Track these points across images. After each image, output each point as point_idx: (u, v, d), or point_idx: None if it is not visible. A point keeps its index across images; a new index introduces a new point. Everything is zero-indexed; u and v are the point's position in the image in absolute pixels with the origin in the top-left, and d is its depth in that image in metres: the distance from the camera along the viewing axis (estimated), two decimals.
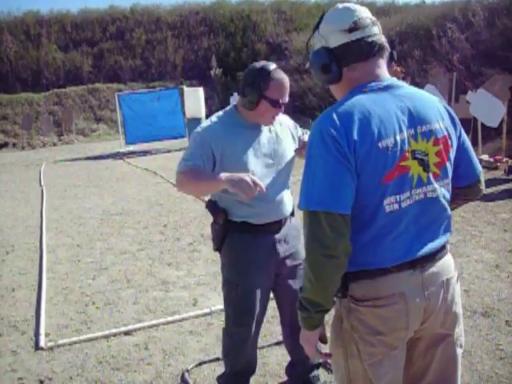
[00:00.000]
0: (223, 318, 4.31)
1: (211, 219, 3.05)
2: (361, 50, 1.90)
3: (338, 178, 1.77)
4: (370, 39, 1.90)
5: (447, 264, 2.00)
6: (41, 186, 12.19)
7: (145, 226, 7.81)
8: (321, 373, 3.44)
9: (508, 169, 8.94)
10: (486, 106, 9.36)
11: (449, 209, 1.99)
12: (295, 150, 3.07)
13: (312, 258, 1.80)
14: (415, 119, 1.88)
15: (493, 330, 3.94)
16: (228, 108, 3.02)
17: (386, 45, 1.96)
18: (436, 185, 1.92)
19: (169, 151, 16.84)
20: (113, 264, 6.19)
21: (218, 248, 3.09)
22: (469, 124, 9.58)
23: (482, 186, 2.14)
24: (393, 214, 1.84)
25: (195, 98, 17.12)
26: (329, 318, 2.09)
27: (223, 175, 2.72)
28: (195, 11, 28.82)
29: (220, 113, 2.99)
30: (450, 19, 15.00)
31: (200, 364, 3.77)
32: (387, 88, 1.90)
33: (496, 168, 9.34)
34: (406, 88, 1.95)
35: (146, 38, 27.31)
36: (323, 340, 2.00)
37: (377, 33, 1.93)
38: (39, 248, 7.06)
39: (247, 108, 2.91)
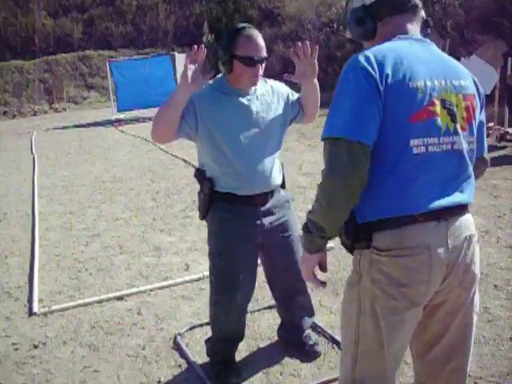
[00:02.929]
0: None
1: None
2: (394, 4, 1.99)
3: (363, 109, 1.80)
4: None
5: (470, 221, 2.01)
6: (32, 153, 12.14)
7: (137, 193, 7.81)
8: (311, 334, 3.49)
9: (499, 136, 8.95)
10: (478, 73, 9.25)
11: (472, 168, 2.01)
12: (293, 78, 2.97)
13: (326, 184, 1.83)
14: (447, 72, 1.95)
15: (481, 294, 3.94)
16: (218, 76, 3.00)
17: (420, 5, 2.04)
18: (462, 138, 1.94)
19: None
20: (105, 231, 6.20)
21: (203, 216, 3.10)
22: None
23: (486, 163, 2.20)
24: (419, 157, 1.85)
25: None
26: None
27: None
28: None
29: (210, 81, 2.96)
30: None
31: (192, 328, 3.82)
32: (420, 41, 1.99)
33: (488, 135, 9.34)
34: (435, 46, 2.03)
35: (137, 3, 27.03)
36: (322, 267, 2.05)
37: None
38: (31, 215, 7.07)
39: (226, 73, 2.88)
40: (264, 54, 2.85)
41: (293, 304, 3.29)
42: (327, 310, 3.93)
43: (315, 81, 2.98)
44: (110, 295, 4.43)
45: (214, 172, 2.93)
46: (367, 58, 1.85)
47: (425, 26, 2.07)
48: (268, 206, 3.02)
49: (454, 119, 1.91)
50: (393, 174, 1.85)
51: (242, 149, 2.88)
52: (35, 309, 4.29)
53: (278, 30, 22.00)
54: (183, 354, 3.50)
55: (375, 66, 1.82)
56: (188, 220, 6.33)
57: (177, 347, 3.60)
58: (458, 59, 9.74)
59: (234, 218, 2.97)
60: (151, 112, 17.51)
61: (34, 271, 5.06)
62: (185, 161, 9.66)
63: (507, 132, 9.01)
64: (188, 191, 7.64)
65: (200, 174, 3.00)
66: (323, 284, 2.09)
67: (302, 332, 3.37)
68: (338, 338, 3.38)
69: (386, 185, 1.86)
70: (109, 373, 3.38)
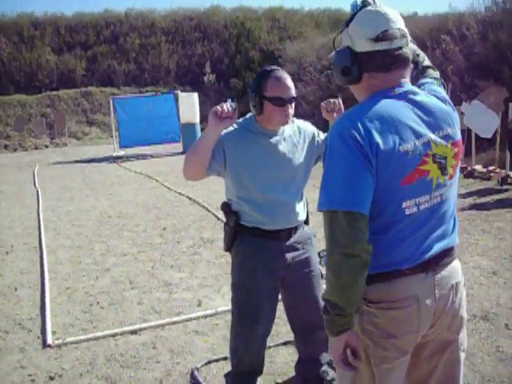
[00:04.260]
0: (228, 319, 4.44)
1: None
2: (384, 62, 1.93)
3: (359, 179, 1.81)
4: (395, 52, 1.92)
5: (456, 268, 2.08)
6: (35, 187, 12.20)
7: (143, 229, 7.86)
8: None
9: (501, 179, 9.09)
10: (480, 117, 9.51)
11: (455, 208, 2.07)
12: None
13: (331, 258, 1.83)
14: (434, 124, 1.95)
15: (492, 333, 4.04)
16: (248, 115, 3.10)
17: (411, 57, 1.98)
18: (450, 186, 2.00)
19: (163, 156, 16.88)
20: (114, 265, 6.24)
21: (228, 248, 3.17)
22: (463, 135, 9.73)
23: None
24: (411, 217, 1.90)
25: (190, 103, 17.18)
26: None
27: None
28: (189, 17, 28.92)
29: (240, 119, 3.06)
30: (443, 32, 15.20)
31: (209, 362, 3.85)
32: (406, 94, 1.95)
33: (489, 178, 9.50)
34: (423, 95, 2.00)
35: (140, 42, 27.36)
36: (354, 352, 1.93)
37: (403, 45, 1.93)
38: (39, 248, 7.10)
39: (256, 113, 2.99)
40: (293, 93, 2.95)
41: (312, 338, 3.33)
42: None
43: None
44: (124, 329, 4.46)
45: (240, 207, 3.02)
46: (355, 126, 1.84)
47: (414, 67, 2.09)
48: (291, 241, 3.09)
49: (443, 172, 1.95)
50: (385, 234, 1.89)
51: (267, 187, 2.98)
52: (49, 341, 4.31)
53: None
54: None
55: (363, 135, 1.82)
56: (197, 256, 6.38)
57: (194, 381, 3.62)
58: (460, 103, 9.95)
59: (259, 252, 3.04)
60: (152, 149, 17.71)
61: (45, 303, 5.10)
62: (189, 198, 9.74)
63: (508, 175, 9.15)
64: (195, 228, 7.71)
65: (226, 208, 3.09)
66: (354, 369, 1.95)
67: (319, 367, 3.41)
68: None
69: (377, 244, 1.87)
70: None
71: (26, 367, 3.97)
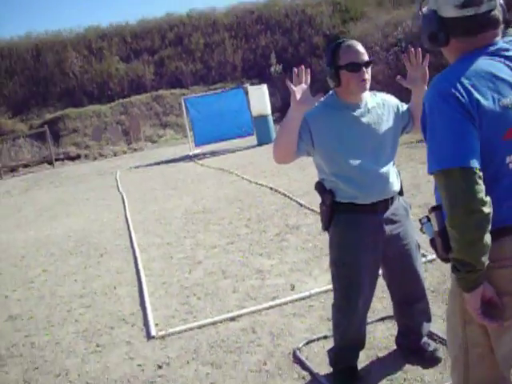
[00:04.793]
0: (323, 300, 4.50)
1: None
2: (470, 27, 1.93)
3: (465, 133, 1.82)
4: (483, 17, 1.90)
5: None
6: (119, 192, 12.62)
7: (229, 222, 8.00)
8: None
9: None
10: None
11: None
12: (404, 82, 3.11)
13: (453, 217, 1.84)
14: None
15: None
16: (329, 93, 3.13)
17: (501, 17, 1.95)
18: None
19: (239, 150, 17.07)
20: (205, 258, 6.40)
21: (326, 228, 3.21)
22: None
23: None
24: None
25: (260, 96, 17.30)
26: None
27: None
28: (250, 11, 29.08)
29: (322, 98, 3.08)
30: None
31: (309, 342, 3.91)
32: (499, 51, 1.94)
33: None
34: None
35: (204, 41, 27.74)
36: (492, 303, 1.94)
37: (492, 8, 1.91)
38: (131, 248, 7.37)
39: (335, 86, 3.02)
40: (366, 58, 2.97)
41: (411, 310, 3.35)
42: (439, 318, 3.93)
43: (425, 88, 3.07)
44: (223, 316, 4.58)
45: (334, 184, 3.06)
46: (454, 85, 1.86)
47: (505, 26, 2.03)
48: (388, 213, 3.11)
49: None
50: (491, 190, 1.86)
51: (358, 160, 3.00)
52: (153, 332, 4.49)
53: None
54: (305, 367, 3.60)
55: (463, 93, 1.84)
56: (284, 243, 6.45)
57: (297, 361, 3.70)
58: None
59: (357, 229, 3.07)
60: (227, 145, 17.93)
61: (144, 298, 5.30)
62: (270, 188, 9.82)
63: None
64: (279, 216, 7.78)
65: (321, 187, 3.14)
66: (498, 322, 1.94)
67: (420, 338, 3.41)
68: None
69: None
70: None
71: (134, 358, 4.16)
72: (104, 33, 29.19)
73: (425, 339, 3.44)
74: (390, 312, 4.03)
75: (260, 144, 17.10)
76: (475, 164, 1.81)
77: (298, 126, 2.90)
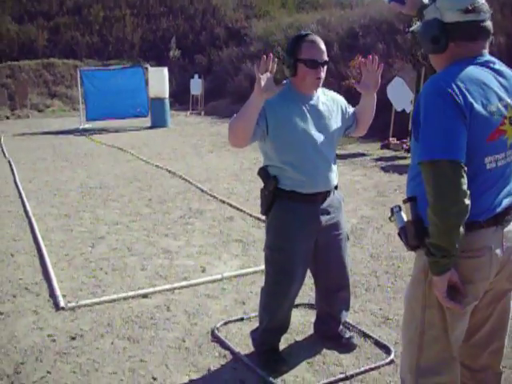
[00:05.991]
0: (235, 284, 4.60)
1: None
2: (470, 32, 2.13)
3: (457, 130, 2.01)
4: (481, 24, 2.13)
5: None
6: (5, 157, 12.01)
7: (129, 200, 7.89)
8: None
9: None
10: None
11: None
12: (357, 86, 3.25)
13: (437, 206, 2.01)
14: (509, 90, 2.17)
15: None
16: (284, 81, 3.23)
17: (492, 30, 2.17)
18: None
19: (132, 130, 16.76)
20: (108, 233, 6.29)
21: (265, 212, 3.31)
22: None
23: None
24: (491, 172, 2.12)
25: (159, 78, 17.12)
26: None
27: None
28: None
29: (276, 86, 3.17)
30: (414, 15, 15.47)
31: (226, 323, 3.99)
32: (487, 63, 2.17)
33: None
34: (499, 64, 2.22)
35: (104, 14, 26.93)
36: (456, 287, 2.12)
37: (487, 18, 2.14)
38: (26, 216, 7.08)
39: (290, 76, 3.14)
40: (325, 57, 3.13)
41: (334, 297, 3.54)
42: (350, 309, 4.15)
43: (375, 94, 3.25)
44: (135, 292, 4.55)
45: (280, 171, 3.16)
46: (450, 86, 2.03)
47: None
48: (325, 205, 3.26)
49: None
50: (470, 185, 2.04)
51: (308, 150, 3.13)
52: (62, 303, 4.37)
53: (246, 49, 22.37)
54: (225, 345, 3.68)
55: (459, 95, 2.01)
56: (190, 226, 6.48)
57: (216, 340, 3.77)
58: None
59: (296, 216, 3.20)
60: (120, 123, 17.54)
61: (48, 268, 5.14)
62: (169, 171, 9.79)
63: None
64: (181, 199, 7.79)
65: (265, 173, 3.22)
66: (460, 306, 2.13)
67: (338, 325, 3.61)
68: (368, 332, 3.79)
69: None
70: (156, 362, 3.53)
71: (43, 328, 4.04)
72: None
73: (341, 326, 3.64)
74: (304, 300, 4.23)
75: (154, 126, 16.92)
76: (462, 159, 2.00)
77: (257, 113, 2.97)
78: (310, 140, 3.14)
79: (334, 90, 3.44)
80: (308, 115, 3.16)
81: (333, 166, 3.27)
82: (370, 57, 3.17)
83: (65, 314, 4.26)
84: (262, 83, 2.87)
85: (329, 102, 3.27)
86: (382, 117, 9.39)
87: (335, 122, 3.26)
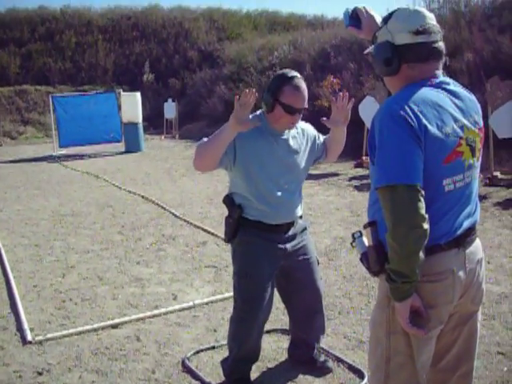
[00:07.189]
0: (207, 311, 4.54)
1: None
2: (422, 53, 2.13)
3: (413, 154, 1.98)
4: (432, 45, 2.13)
5: (479, 245, 2.29)
6: None
7: (101, 227, 7.80)
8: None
9: None
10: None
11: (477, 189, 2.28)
12: (327, 123, 3.22)
13: (395, 231, 1.97)
14: (465, 111, 2.16)
15: None
16: (258, 112, 3.21)
17: (444, 51, 2.18)
18: (476, 168, 2.21)
19: (105, 155, 16.64)
20: (79, 263, 6.19)
21: (229, 240, 3.27)
22: None
23: None
24: (449, 195, 2.10)
25: (132, 103, 17.06)
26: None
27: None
28: (127, 16, 28.50)
29: (250, 116, 3.10)
30: None
31: (197, 352, 3.92)
32: (441, 84, 2.16)
33: None
34: (453, 85, 2.21)
35: (77, 40, 26.78)
36: (421, 316, 2.09)
37: (439, 39, 2.15)
38: None
39: (266, 111, 3.11)
40: (305, 105, 3.10)
41: (310, 325, 3.49)
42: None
43: (344, 129, 3.25)
44: (105, 323, 4.46)
45: (246, 201, 3.15)
46: (403, 108, 2.01)
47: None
48: (290, 232, 3.26)
49: (473, 154, 2.17)
50: (428, 209, 2.01)
51: (273, 184, 3.14)
52: (29, 337, 4.26)
53: (219, 71, 22.44)
54: (195, 376, 3.61)
55: (413, 118, 1.99)
56: (162, 252, 6.41)
57: (187, 370, 3.69)
58: None
59: (261, 242, 3.18)
60: (93, 149, 17.41)
61: (16, 301, 5.02)
62: (142, 197, 9.71)
63: None
64: (154, 226, 7.71)
65: (230, 200, 3.20)
66: (423, 331, 2.10)
67: (313, 350, 3.56)
68: (342, 356, 3.74)
69: None
70: None
71: (9, 364, 3.92)
72: None
73: (316, 352, 3.60)
74: (276, 325, 4.18)
75: (128, 151, 16.83)
76: (419, 182, 1.98)
77: (227, 143, 2.96)
78: (276, 175, 3.14)
79: (307, 110, 3.36)
80: (277, 150, 3.16)
81: (298, 198, 3.30)
82: (341, 94, 3.16)
83: (32, 348, 4.15)
84: (239, 115, 2.85)
85: (299, 135, 3.27)
86: (354, 135, 9.42)
87: (304, 157, 3.27)
